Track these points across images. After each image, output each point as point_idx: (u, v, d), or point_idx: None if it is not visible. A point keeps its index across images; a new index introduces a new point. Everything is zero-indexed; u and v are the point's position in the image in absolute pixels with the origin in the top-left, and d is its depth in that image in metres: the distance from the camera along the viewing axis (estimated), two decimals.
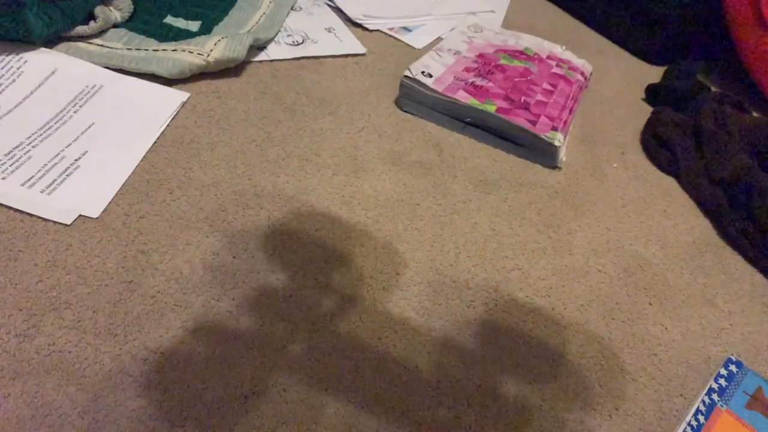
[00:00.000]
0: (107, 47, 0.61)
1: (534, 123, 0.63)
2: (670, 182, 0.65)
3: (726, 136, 0.66)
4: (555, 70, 0.73)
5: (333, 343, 0.42)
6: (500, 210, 0.56)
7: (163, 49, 0.61)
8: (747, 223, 0.58)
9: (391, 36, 0.78)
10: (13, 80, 0.56)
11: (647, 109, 0.75)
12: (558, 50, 0.78)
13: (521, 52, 0.76)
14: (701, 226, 0.60)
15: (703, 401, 0.43)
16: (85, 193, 0.48)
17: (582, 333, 0.47)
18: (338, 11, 0.80)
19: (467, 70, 0.70)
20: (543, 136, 0.61)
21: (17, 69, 0.57)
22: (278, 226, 0.49)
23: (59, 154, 0.50)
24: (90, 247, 0.44)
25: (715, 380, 0.45)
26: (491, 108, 0.63)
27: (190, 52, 0.60)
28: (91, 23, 0.62)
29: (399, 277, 0.47)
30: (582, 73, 0.75)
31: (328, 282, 0.46)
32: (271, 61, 0.67)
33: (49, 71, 0.58)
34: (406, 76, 0.65)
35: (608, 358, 0.45)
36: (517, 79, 0.69)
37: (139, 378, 0.38)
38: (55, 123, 0.53)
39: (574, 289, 0.50)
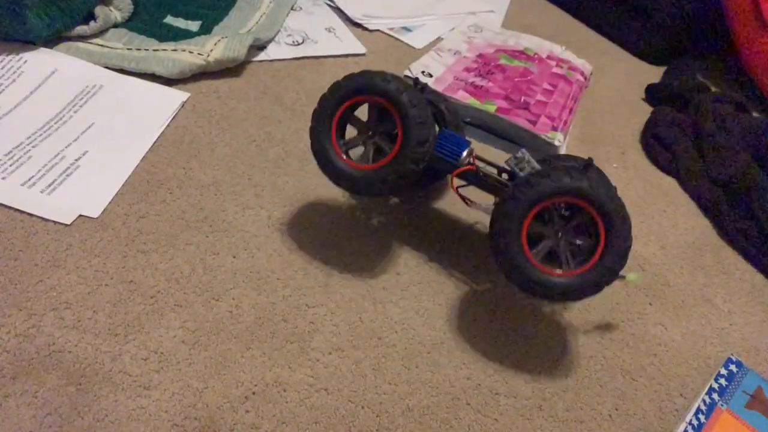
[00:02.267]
0: (107, 47, 0.61)
1: (534, 123, 0.62)
2: (670, 182, 0.65)
3: (726, 136, 0.66)
4: (555, 70, 0.73)
5: (333, 342, 0.42)
6: None
7: (163, 49, 0.61)
8: (747, 223, 0.58)
9: (391, 36, 0.78)
10: (13, 80, 0.56)
11: (647, 109, 0.75)
12: (558, 50, 0.78)
13: (521, 52, 0.76)
14: (701, 226, 0.60)
15: (704, 401, 0.43)
16: (85, 193, 0.48)
17: (582, 333, 0.47)
18: (338, 11, 0.80)
19: (467, 70, 0.70)
20: (543, 136, 0.61)
21: (17, 69, 0.57)
22: (278, 226, 0.49)
23: (59, 154, 0.50)
24: (90, 247, 0.44)
25: (715, 380, 0.45)
26: (491, 108, 0.63)
27: (190, 52, 0.60)
28: (91, 23, 0.62)
29: (399, 277, 0.47)
30: (582, 73, 0.75)
31: (328, 282, 0.46)
32: (271, 61, 0.67)
33: (49, 71, 0.58)
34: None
35: (608, 358, 0.45)
36: (517, 79, 0.69)
37: (139, 378, 0.38)
38: (55, 123, 0.53)
39: None
